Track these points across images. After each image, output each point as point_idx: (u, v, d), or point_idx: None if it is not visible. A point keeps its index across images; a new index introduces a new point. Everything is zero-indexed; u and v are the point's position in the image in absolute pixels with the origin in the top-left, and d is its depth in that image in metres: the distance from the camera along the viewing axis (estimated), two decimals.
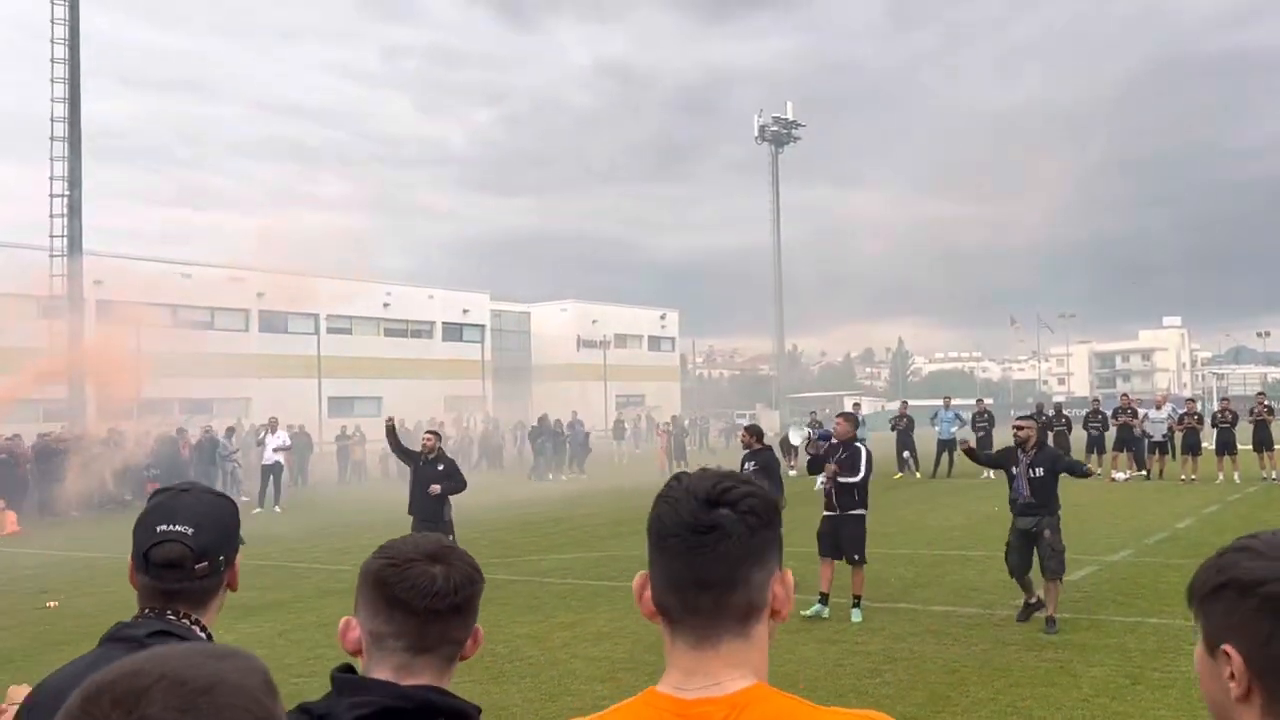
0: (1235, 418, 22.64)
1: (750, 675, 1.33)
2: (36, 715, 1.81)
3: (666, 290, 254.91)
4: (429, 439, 11.62)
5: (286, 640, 9.39)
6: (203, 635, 1.93)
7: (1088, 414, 26.10)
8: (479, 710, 1.58)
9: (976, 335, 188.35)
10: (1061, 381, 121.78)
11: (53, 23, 28.28)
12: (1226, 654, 1.20)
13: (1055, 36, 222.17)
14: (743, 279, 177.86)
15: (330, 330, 48.99)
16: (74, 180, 28.31)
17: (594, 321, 64.78)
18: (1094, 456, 23.89)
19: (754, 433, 11.31)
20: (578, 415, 35.86)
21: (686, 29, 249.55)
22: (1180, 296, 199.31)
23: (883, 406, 61.39)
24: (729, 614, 1.33)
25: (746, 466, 11.18)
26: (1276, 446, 22.14)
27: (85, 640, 2.00)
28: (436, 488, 11.12)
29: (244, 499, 25.08)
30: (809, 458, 10.72)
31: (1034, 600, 8.92)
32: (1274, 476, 21.68)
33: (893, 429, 27.69)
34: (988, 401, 31.56)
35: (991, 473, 23.01)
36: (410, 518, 11.50)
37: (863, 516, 9.98)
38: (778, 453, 13.97)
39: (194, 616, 1.95)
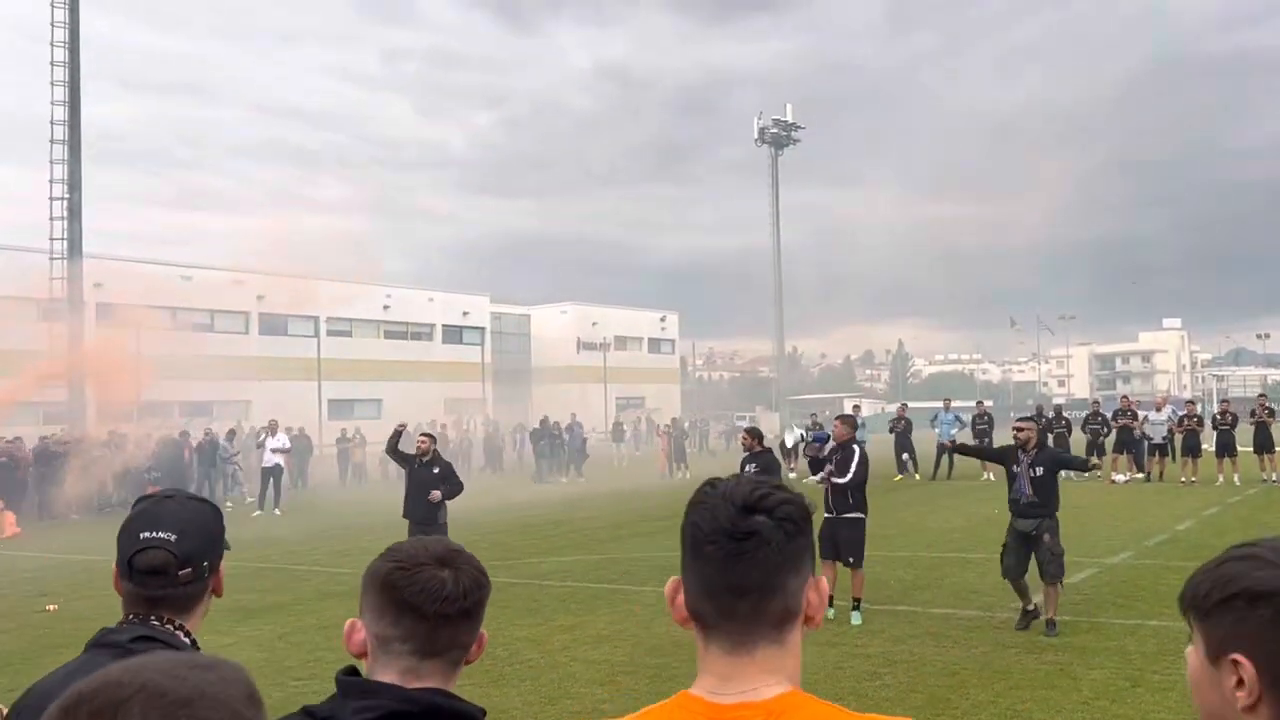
0: (1235, 420, 22.62)
1: (785, 681, 1.34)
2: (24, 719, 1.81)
3: (666, 292, 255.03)
4: (424, 442, 11.58)
5: (286, 643, 9.38)
6: (187, 641, 1.93)
7: (1087, 416, 26.08)
8: (484, 713, 1.58)
9: (976, 337, 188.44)
10: (1061, 383, 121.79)
11: (53, 25, 28.35)
12: (1236, 663, 1.19)
13: (1055, 37, 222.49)
14: (743, 281, 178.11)
15: (330, 333, 49.01)
16: (74, 183, 28.34)
17: (594, 324, 64.78)
18: (1094, 458, 23.83)
19: (754, 435, 11.31)
20: (576, 418, 35.85)
21: (686, 31, 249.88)
22: (1180, 298, 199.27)
23: (883, 408, 61.35)
24: (765, 620, 1.33)
25: (747, 469, 11.20)
26: (1277, 449, 22.13)
27: (84, 644, 2.00)
28: (437, 494, 11.10)
29: (248, 500, 25.13)
30: (809, 459, 10.75)
31: (1031, 608, 8.91)
32: (1274, 479, 21.67)
33: (891, 431, 27.69)
34: (988, 403, 31.55)
35: (992, 474, 23.14)
36: (405, 521, 11.50)
37: (860, 520, 9.97)
38: (777, 454, 13.96)
39: (178, 622, 1.95)
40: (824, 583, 1.40)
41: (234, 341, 44.35)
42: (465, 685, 1.61)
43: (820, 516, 10.13)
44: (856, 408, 32.74)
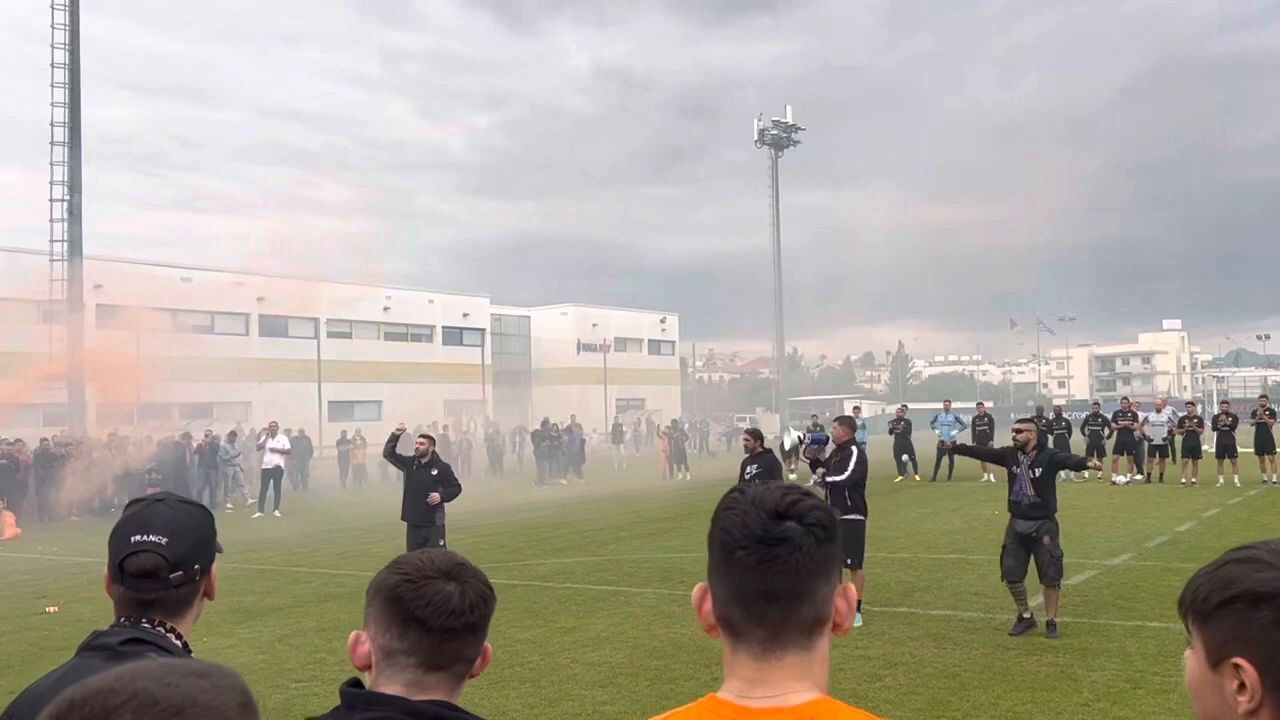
0: (1235, 421, 22.61)
1: (814, 688, 1.34)
2: None
3: (667, 294, 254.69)
4: (422, 444, 11.56)
5: (286, 645, 9.37)
6: (178, 643, 1.93)
7: (1087, 417, 26.08)
8: None
9: (976, 338, 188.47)
10: (1061, 385, 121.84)
11: (53, 28, 28.36)
12: (1237, 667, 1.17)
13: (1055, 39, 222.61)
14: (743, 282, 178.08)
15: (330, 334, 49.03)
16: (74, 185, 28.34)
17: (594, 325, 64.80)
18: (1094, 460, 23.81)
19: (756, 436, 11.33)
20: (575, 420, 35.82)
21: (686, 33, 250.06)
22: (1180, 299, 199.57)
23: (883, 409, 61.38)
24: (795, 626, 1.34)
25: (749, 469, 11.22)
26: (1278, 450, 22.11)
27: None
28: (436, 496, 11.09)
29: (249, 501, 25.12)
30: (809, 460, 10.77)
31: (1028, 615, 8.89)
32: (1274, 480, 21.66)
33: (891, 433, 27.69)
34: (988, 405, 31.51)
35: (992, 475, 23.13)
36: (404, 523, 11.50)
37: (859, 521, 9.98)
38: (776, 456, 13.98)
39: (170, 624, 1.95)
40: (852, 590, 1.41)
41: (234, 343, 44.36)
42: (466, 687, 1.60)
43: None
44: (857, 409, 32.72)
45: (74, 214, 28.32)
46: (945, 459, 25.23)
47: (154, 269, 40.69)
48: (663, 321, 72.45)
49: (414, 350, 55.08)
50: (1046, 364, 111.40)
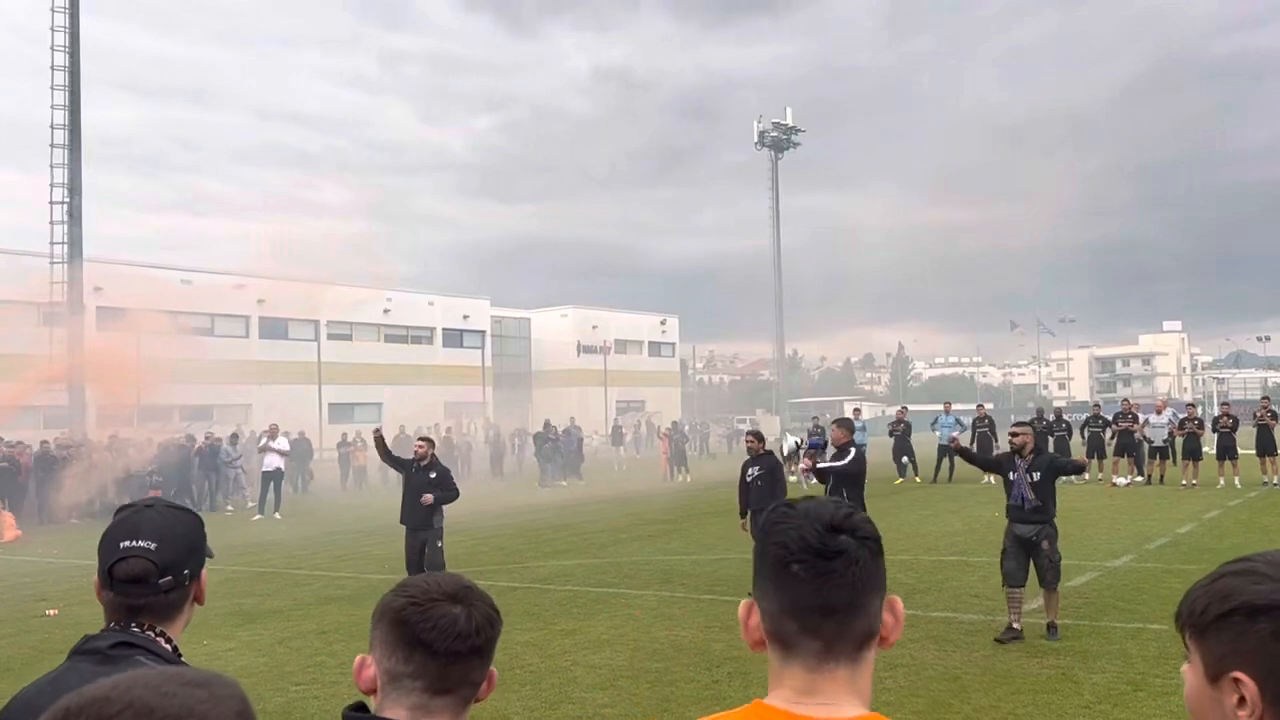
0: (1236, 422, 22.60)
1: (862, 704, 1.34)
2: None
3: (667, 296, 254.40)
4: (421, 446, 11.47)
5: (286, 648, 9.35)
6: (168, 647, 1.93)
7: (1088, 419, 26.05)
8: None
9: (977, 340, 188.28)
10: (1062, 386, 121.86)
11: (53, 30, 28.39)
12: (1237, 681, 1.16)
13: (1055, 40, 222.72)
14: (743, 284, 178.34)
15: (330, 336, 49.04)
16: (74, 187, 28.36)
17: (594, 327, 64.83)
18: (1094, 462, 23.85)
19: (759, 438, 11.35)
20: (574, 421, 35.79)
21: (686, 34, 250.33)
22: (1180, 300, 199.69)
23: (883, 411, 61.38)
24: (848, 639, 1.34)
25: (751, 471, 11.22)
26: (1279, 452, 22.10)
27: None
28: (429, 497, 10.97)
29: (250, 504, 25.11)
30: (808, 467, 10.79)
31: (1018, 626, 8.81)
32: (1275, 481, 21.65)
33: (891, 434, 27.68)
34: (988, 407, 31.51)
35: (992, 478, 23.11)
36: (402, 526, 11.44)
37: None
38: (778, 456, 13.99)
39: (159, 629, 1.95)
40: (899, 603, 1.41)
41: (234, 345, 44.38)
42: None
43: None
44: (857, 411, 32.70)
45: (74, 216, 28.34)
46: (945, 461, 25.24)
47: (154, 271, 40.73)
48: (663, 323, 72.48)
49: (414, 352, 55.10)
50: (1047, 366, 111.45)
